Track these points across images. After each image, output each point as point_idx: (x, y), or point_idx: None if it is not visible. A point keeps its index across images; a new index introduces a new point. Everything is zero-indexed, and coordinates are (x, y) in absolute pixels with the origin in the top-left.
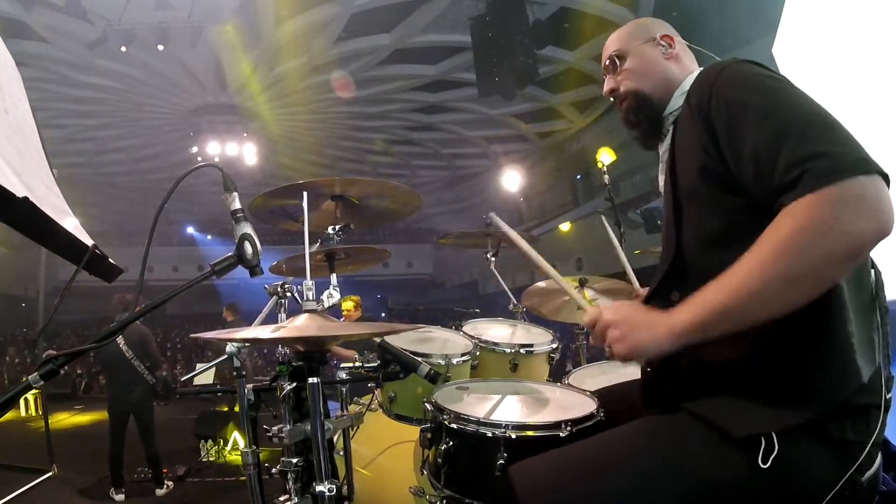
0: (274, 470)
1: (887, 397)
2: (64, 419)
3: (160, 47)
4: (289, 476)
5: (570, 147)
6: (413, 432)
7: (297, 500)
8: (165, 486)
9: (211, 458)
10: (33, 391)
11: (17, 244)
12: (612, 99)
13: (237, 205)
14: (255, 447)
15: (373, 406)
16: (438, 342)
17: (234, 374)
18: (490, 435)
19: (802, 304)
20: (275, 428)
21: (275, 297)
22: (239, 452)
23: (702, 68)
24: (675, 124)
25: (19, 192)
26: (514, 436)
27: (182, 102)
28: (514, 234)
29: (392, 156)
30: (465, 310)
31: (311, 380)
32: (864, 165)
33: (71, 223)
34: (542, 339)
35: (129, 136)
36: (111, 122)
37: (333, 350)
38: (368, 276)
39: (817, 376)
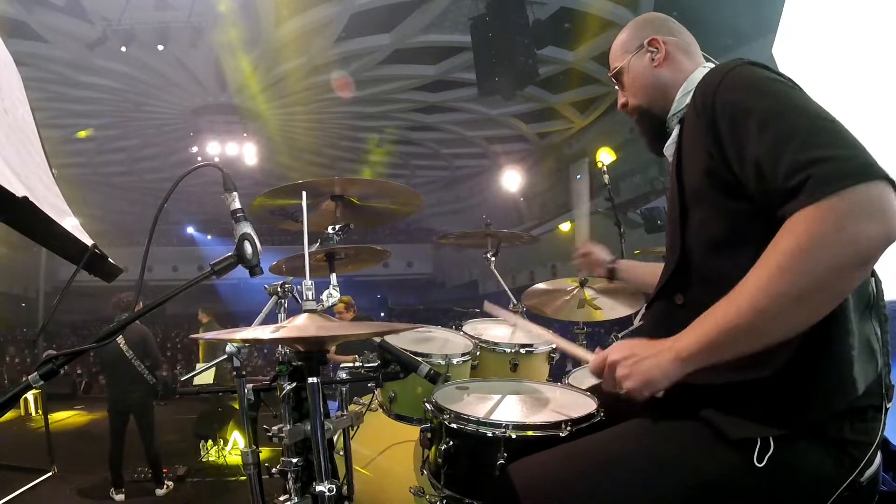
0: (274, 470)
1: (887, 406)
2: (64, 419)
3: (160, 47)
4: (289, 476)
5: (570, 147)
6: (413, 432)
7: (297, 500)
8: (165, 486)
9: (211, 458)
10: (33, 391)
11: (16, 244)
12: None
13: (237, 204)
14: (255, 447)
15: (373, 406)
16: (438, 342)
17: (234, 374)
18: (490, 435)
19: (819, 318)
20: (275, 428)
21: (274, 297)
22: (239, 452)
23: (709, 66)
24: (681, 123)
25: (19, 191)
26: (514, 436)
27: (182, 102)
28: (507, 313)
29: (388, 154)
30: (465, 310)
31: (310, 380)
32: (869, 170)
33: (71, 223)
34: (541, 339)
35: (129, 136)
36: (111, 122)
37: (331, 358)
38: (368, 276)
39: (814, 388)
